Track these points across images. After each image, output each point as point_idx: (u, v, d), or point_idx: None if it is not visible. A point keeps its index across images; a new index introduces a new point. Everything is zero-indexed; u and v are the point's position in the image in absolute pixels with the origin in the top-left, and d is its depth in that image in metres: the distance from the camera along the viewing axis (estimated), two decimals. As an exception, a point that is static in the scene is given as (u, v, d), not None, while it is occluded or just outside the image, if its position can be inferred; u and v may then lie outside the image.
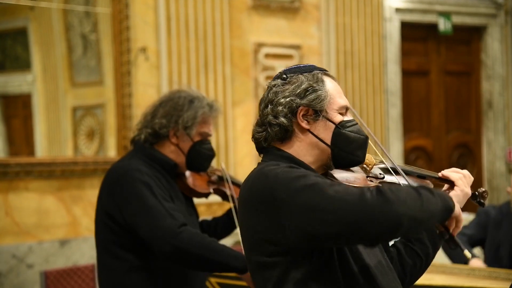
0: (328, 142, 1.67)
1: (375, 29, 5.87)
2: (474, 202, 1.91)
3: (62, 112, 5.07)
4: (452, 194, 1.80)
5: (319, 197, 1.51)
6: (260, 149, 1.74)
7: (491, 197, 6.60)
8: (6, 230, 4.44)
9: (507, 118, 6.59)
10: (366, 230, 1.48)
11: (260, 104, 1.75)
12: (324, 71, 1.74)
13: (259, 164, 1.72)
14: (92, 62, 5.03)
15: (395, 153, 6.05)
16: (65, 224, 4.64)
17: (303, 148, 1.68)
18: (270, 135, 1.68)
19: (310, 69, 1.73)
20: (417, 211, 1.51)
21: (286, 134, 1.67)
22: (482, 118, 6.64)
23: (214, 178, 2.55)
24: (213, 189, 2.53)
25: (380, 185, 1.80)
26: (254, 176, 1.63)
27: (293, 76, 1.71)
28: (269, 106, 1.69)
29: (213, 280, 3.25)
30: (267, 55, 5.44)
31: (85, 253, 4.68)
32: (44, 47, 5.05)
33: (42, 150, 4.99)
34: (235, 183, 2.56)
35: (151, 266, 2.29)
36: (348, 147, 1.69)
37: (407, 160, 6.24)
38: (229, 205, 2.60)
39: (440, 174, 1.91)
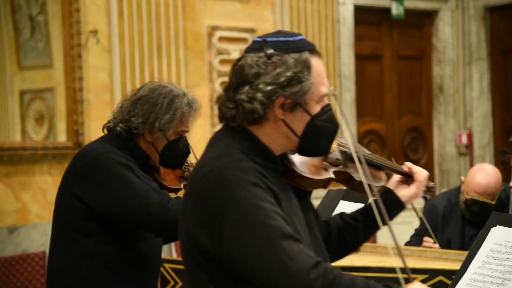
0: (300, 133, 1.59)
1: (329, 13, 5.89)
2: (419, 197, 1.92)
3: (10, 96, 4.95)
4: (408, 190, 1.83)
5: (265, 244, 1.43)
6: (223, 119, 1.61)
7: (441, 180, 6.73)
8: (-48, 218, 4.32)
9: (458, 102, 6.71)
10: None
11: (232, 70, 1.59)
12: (312, 49, 1.60)
13: (217, 140, 1.60)
14: (41, 45, 4.90)
15: (349, 137, 6.09)
16: (13, 211, 4.53)
17: (272, 136, 1.59)
18: (240, 117, 1.56)
19: (298, 47, 1.57)
20: None
21: (258, 120, 1.56)
22: (433, 102, 6.75)
23: (187, 173, 2.50)
24: (184, 185, 2.47)
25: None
26: (214, 175, 1.50)
27: (278, 55, 1.54)
28: (246, 86, 1.54)
29: (167, 265, 3.22)
30: (221, 39, 5.39)
31: (34, 240, 4.59)
32: (-11, 28, 4.90)
33: (-11, 135, 4.86)
34: None
35: (108, 255, 2.25)
36: (317, 139, 1.61)
37: (360, 144, 6.29)
38: None
39: (405, 168, 1.89)
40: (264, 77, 1.54)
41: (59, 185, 2.33)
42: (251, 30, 5.51)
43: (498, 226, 1.93)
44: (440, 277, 2.78)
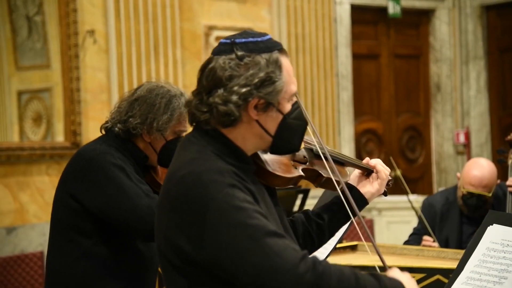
0: (273, 132, 1.59)
1: (326, 13, 5.89)
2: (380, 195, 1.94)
3: (7, 96, 4.94)
4: (371, 186, 1.87)
5: (250, 244, 1.43)
6: (195, 122, 1.60)
7: (439, 179, 6.74)
8: (-50, 219, 4.31)
9: (455, 100, 6.72)
10: None
11: (202, 73, 1.59)
12: (281, 48, 1.60)
13: (189, 143, 1.59)
14: (38, 45, 4.90)
15: (347, 136, 6.10)
16: (11, 211, 4.53)
17: (245, 136, 1.58)
18: (214, 120, 1.55)
19: (268, 47, 1.57)
20: None
21: (232, 122, 1.55)
22: (431, 100, 6.76)
23: None
24: None
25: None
26: (191, 178, 1.49)
27: (250, 57, 1.55)
28: (220, 89, 1.54)
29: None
30: (218, 38, 5.39)
31: (32, 240, 4.59)
32: (-14, 29, 4.89)
33: (-14, 136, 4.86)
34: None
35: (106, 255, 2.25)
36: (289, 137, 1.62)
37: (358, 143, 6.31)
38: None
39: (365, 161, 1.92)
40: (237, 79, 1.53)
41: (57, 186, 2.33)
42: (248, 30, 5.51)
43: (494, 225, 1.93)
44: (437, 276, 2.79)
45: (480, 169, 3.46)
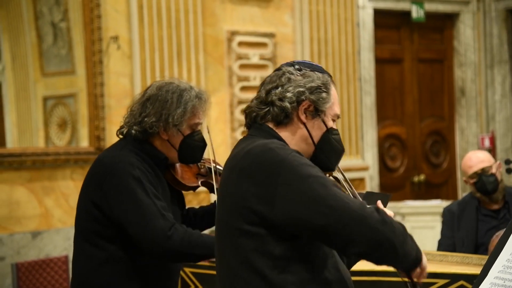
0: (316, 141, 1.79)
1: (348, 17, 5.88)
2: None
3: (33, 102, 5.01)
4: None
5: (323, 190, 1.63)
6: (251, 123, 1.82)
7: (463, 184, 6.67)
8: (-23, 223, 4.37)
9: (480, 105, 6.65)
10: (352, 235, 1.62)
11: (265, 83, 1.82)
12: (330, 76, 1.86)
13: (248, 138, 1.79)
14: (63, 51, 4.96)
15: (369, 141, 6.07)
16: (36, 216, 4.58)
17: (294, 138, 1.79)
18: (271, 114, 1.77)
19: (321, 70, 1.84)
20: (399, 244, 1.66)
21: (284, 119, 1.77)
22: (455, 105, 6.70)
23: (203, 170, 2.51)
24: (201, 182, 2.49)
25: None
26: (258, 148, 1.70)
27: (307, 70, 1.81)
28: (280, 88, 1.78)
29: (187, 270, 3.24)
30: (241, 43, 5.41)
31: (57, 245, 4.63)
32: (13, 35, 4.97)
33: (12, 141, 4.92)
34: None
35: (131, 259, 2.27)
36: (328, 153, 1.82)
37: (381, 148, 6.28)
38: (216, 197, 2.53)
39: None
40: (295, 82, 1.79)
41: (80, 191, 2.35)
42: (271, 35, 5.52)
43: (519, 230, 1.91)
44: (461, 282, 2.77)
45: (473, 153, 3.73)
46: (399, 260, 1.69)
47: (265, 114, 1.78)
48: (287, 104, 1.76)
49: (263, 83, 1.84)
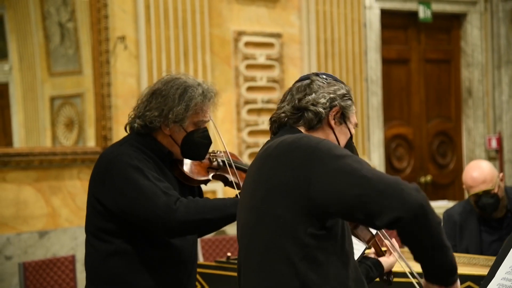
0: (342, 146, 1.87)
1: (355, 17, 5.87)
2: None
3: (40, 102, 5.02)
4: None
5: (358, 165, 1.69)
6: (280, 127, 1.89)
7: (471, 185, 6.65)
8: (-16, 222, 4.39)
9: (487, 105, 6.63)
10: (387, 200, 1.63)
11: (295, 90, 1.90)
12: (350, 90, 1.97)
13: (278, 136, 1.86)
14: (70, 51, 4.97)
15: (376, 142, 6.06)
16: (44, 215, 4.60)
17: None
18: (304, 119, 1.86)
19: (342, 81, 1.96)
20: (431, 215, 1.68)
21: (317, 124, 1.86)
22: (462, 105, 6.68)
23: (215, 163, 2.48)
24: (213, 175, 2.46)
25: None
26: (292, 138, 1.78)
27: (332, 80, 1.92)
28: (313, 95, 1.87)
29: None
30: (248, 44, 5.41)
31: (64, 244, 4.65)
32: (20, 35, 4.98)
33: (19, 141, 4.94)
34: (240, 168, 2.48)
35: (138, 252, 2.28)
36: None
37: (387, 148, 6.27)
38: (233, 191, 2.51)
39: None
40: (327, 89, 1.89)
41: (88, 188, 2.38)
42: (277, 35, 5.52)
43: (526, 231, 1.90)
44: (468, 283, 2.76)
45: (473, 169, 3.47)
46: (430, 236, 1.69)
47: (297, 119, 1.87)
48: (321, 109, 1.86)
49: (289, 92, 1.91)
